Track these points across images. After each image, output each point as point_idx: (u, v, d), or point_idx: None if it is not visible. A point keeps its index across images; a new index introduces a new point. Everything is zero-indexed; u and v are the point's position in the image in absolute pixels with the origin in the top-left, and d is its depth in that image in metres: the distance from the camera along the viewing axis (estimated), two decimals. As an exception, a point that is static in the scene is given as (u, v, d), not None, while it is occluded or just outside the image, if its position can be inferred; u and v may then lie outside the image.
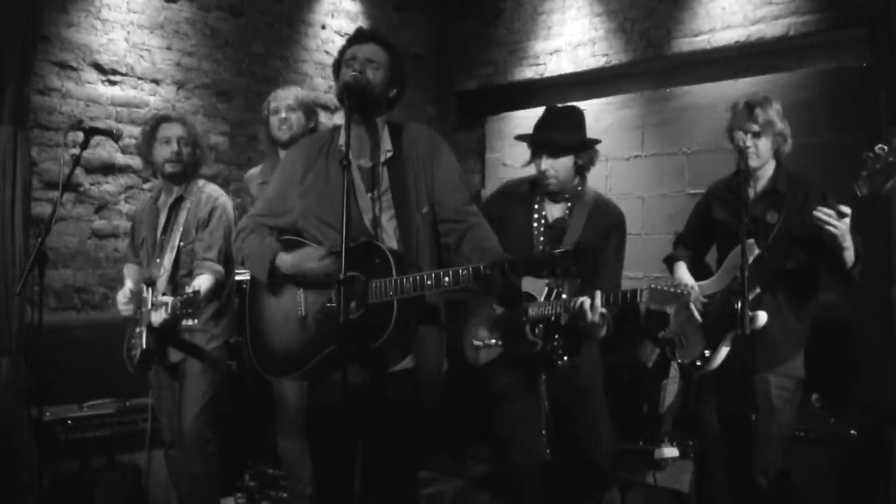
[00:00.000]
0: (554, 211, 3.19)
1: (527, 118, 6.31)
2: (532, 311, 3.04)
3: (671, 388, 4.14)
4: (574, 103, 5.76)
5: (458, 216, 2.56)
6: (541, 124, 3.19)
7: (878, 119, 3.84)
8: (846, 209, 2.74)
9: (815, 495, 3.61)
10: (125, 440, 3.96)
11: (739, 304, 2.86)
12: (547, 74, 6.00)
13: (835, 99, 4.73)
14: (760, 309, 2.95)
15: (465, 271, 2.30)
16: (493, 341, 3.16)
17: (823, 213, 2.76)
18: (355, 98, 2.44)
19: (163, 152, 3.54)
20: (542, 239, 3.15)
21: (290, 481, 3.76)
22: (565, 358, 3.11)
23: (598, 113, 5.52)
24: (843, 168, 3.06)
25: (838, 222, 2.75)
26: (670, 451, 3.90)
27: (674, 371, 4.19)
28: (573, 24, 5.83)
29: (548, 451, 3.13)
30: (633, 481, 3.96)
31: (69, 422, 3.86)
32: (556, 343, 3.09)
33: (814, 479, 3.61)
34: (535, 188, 3.21)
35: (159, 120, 3.60)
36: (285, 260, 2.53)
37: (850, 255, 2.85)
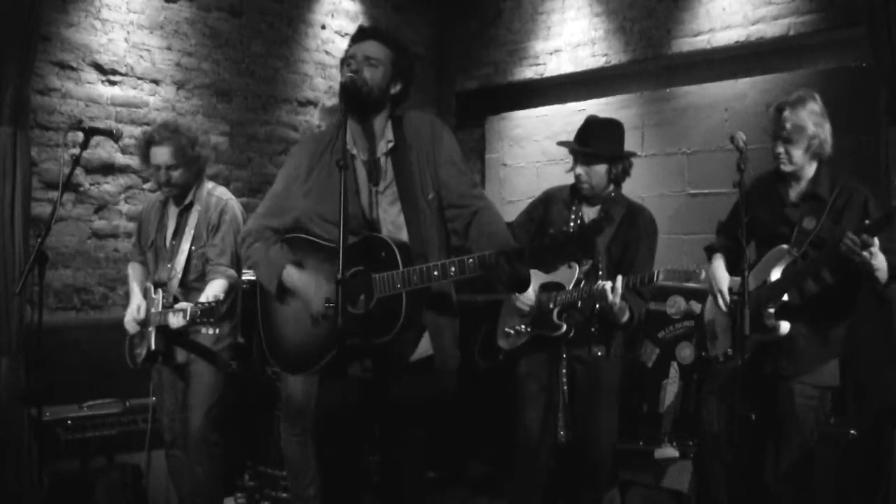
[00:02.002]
0: (590, 213, 3.44)
1: (527, 118, 6.33)
2: (560, 298, 3.33)
3: (671, 388, 4.14)
4: (574, 103, 5.87)
5: (463, 200, 2.54)
6: (580, 133, 3.43)
7: (878, 119, 3.84)
8: (871, 240, 2.69)
9: (815, 495, 3.61)
10: (125, 440, 3.97)
11: (777, 307, 2.93)
12: (547, 74, 6.00)
13: (835, 99, 4.70)
14: (788, 317, 2.93)
15: (472, 261, 2.29)
16: (524, 328, 3.42)
17: (850, 243, 2.72)
18: (351, 100, 2.43)
19: (156, 177, 3.57)
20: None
21: (292, 481, 3.76)
22: (599, 347, 3.35)
23: (597, 113, 5.50)
24: (842, 168, 3.06)
25: (864, 252, 2.71)
26: (670, 451, 3.90)
27: (674, 371, 4.19)
28: (573, 24, 5.83)
29: (562, 433, 3.33)
30: (633, 481, 3.96)
31: (69, 422, 3.86)
32: (592, 331, 3.34)
33: (814, 479, 3.60)
34: (574, 192, 3.47)
35: (148, 142, 3.53)
36: (292, 279, 2.53)
37: (882, 275, 2.80)
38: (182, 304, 3.34)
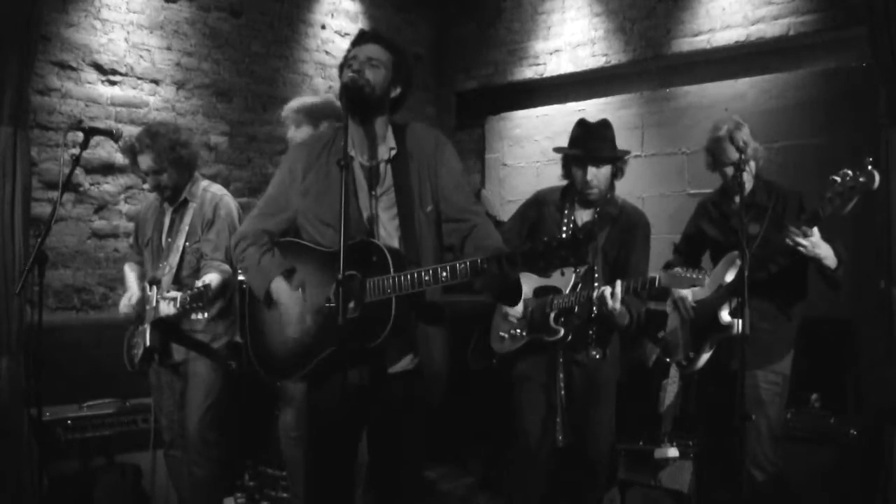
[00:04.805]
0: (583, 216, 3.42)
1: (527, 118, 6.33)
2: (557, 302, 3.29)
3: (671, 388, 4.14)
4: (574, 103, 5.87)
5: (462, 215, 2.55)
6: (582, 136, 3.41)
7: (877, 119, 3.84)
8: (809, 230, 2.97)
9: (814, 495, 3.61)
10: (125, 440, 3.97)
11: (732, 307, 3.16)
12: (547, 74, 6.00)
13: (835, 99, 4.73)
14: (741, 316, 3.07)
15: (463, 266, 2.29)
16: (520, 332, 3.38)
17: (792, 235, 3.00)
18: (353, 99, 2.43)
19: (147, 182, 3.61)
20: None
21: (293, 481, 3.76)
22: (598, 348, 3.34)
23: (597, 113, 5.50)
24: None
25: (805, 241, 2.99)
26: (670, 451, 3.90)
27: (674, 371, 4.18)
28: (573, 24, 5.83)
29: (560, 437, 3.31)
30: (633, 481, 3.96)
31: (69, 422, 3.87)
32: (590, 334, 3.33)
33: (814, 479, 3.61)
34: (566, 195, 3.45)
35: (133, 151, 3.55)
36: (279, 293, 2.53)
37: (829, 262, 3.06)
38: (173, 293, 3.33)
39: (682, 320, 3.44)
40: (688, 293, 3.38)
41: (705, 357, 3.32)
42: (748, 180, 3.28)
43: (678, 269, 3.10)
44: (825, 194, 2.91)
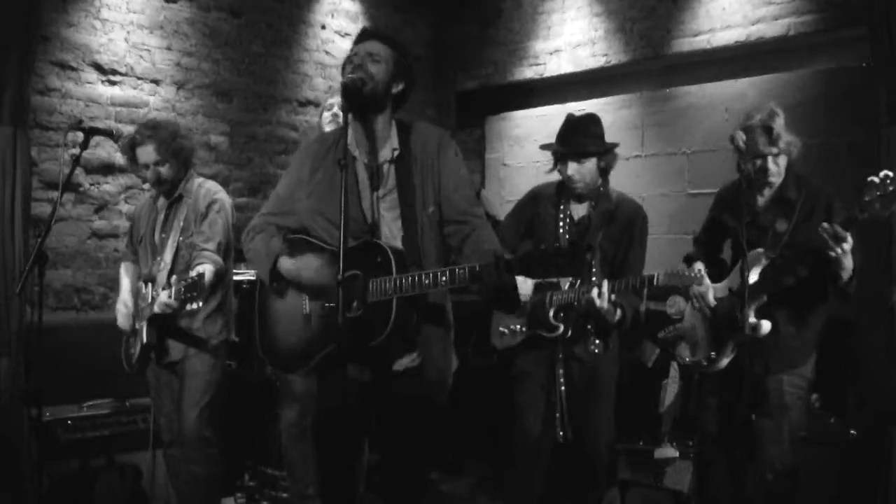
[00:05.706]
0: (579, 210, 3.42)
1: (527, 118, 6.33)
2: (556, 298, 3.30)
3: (671, 388, 4.15)
4: (574, 103, 5.88)
5: (462, 217, 2.55)
6: (565, 133, 3.41)
7: (878, 119, 3.84)
8: (844, 234, 2.73)
9: (815, 495, 3.61)
10: (125, 440, 3.97)
11: (757, 307, 2.98)
12: (547, 74, 6.00)
13: (835, 99, 4.73)
14: (769, 317, 2.99)
15: (462, 271, 2.30)
16: (519, 328, 3.39)
17: (826, 235, 2.76)
18: (353, 99, 2.44)
19: (147, 176, 3.59)
20: (567, 237, 3.36)
21: (292, 481, 3.77)
22: (597, 342, 3.34)
23: (597, 113, 5.52)
24: (842, 169, 3.07)
25: (837, 246, 2.75)
26: (670, 451, 3.90)
27: (674, 371, 4.19)
28: (573, 24, 5.83)
29: (560, 433, 3.31)
30: (633, 481, 3.96)
31: (69, 422, 3.86)
32: (589, 328, 3.33)
33: (814, 479, 3.61)
34: (562, 191, 3.45)
35: (132, 144, 3.55)
36: (287, 265, 2.55)
37: (845, 274, 2.87)
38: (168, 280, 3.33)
39: (702, 318, 3.27)
40: (708, 290, 3.22)
41: (727, 357, 3.16)
42: (778, 174, 3.10)
43: (679, 268, 3.10)
44: (862, 197, 2.70)
